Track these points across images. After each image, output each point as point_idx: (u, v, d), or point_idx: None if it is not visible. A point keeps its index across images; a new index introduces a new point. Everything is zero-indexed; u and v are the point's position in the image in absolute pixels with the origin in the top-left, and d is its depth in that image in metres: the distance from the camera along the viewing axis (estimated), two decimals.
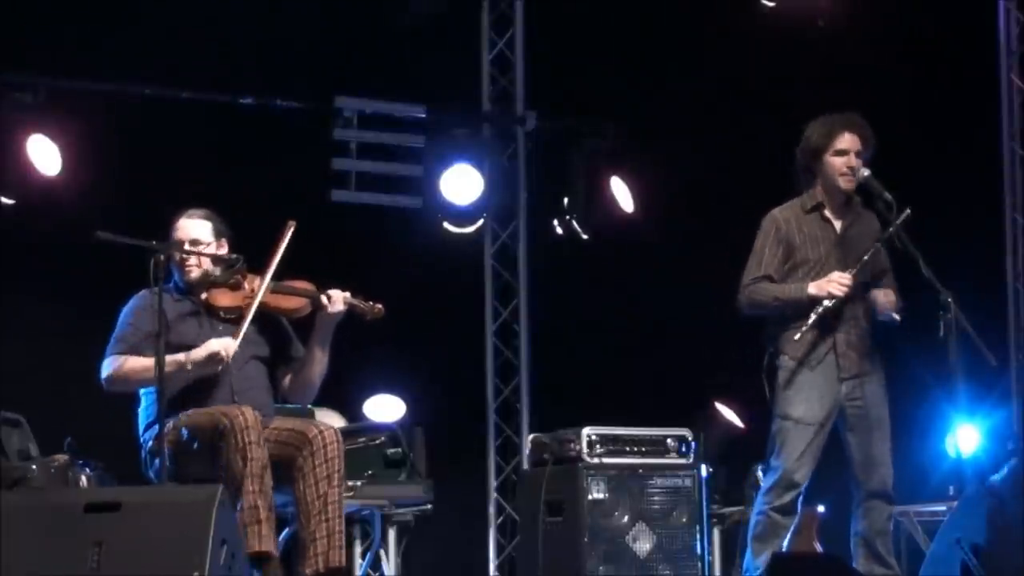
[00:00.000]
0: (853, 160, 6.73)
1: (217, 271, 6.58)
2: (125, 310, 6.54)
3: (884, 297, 6.75)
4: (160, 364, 6.07)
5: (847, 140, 6.74)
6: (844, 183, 6.75)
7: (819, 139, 6.77)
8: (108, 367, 6.41)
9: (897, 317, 6.73)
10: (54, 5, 8.82)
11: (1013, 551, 6.17)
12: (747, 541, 6.80)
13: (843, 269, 6.67)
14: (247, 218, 6.76)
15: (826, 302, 6.60)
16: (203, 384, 6.41)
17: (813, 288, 6.64)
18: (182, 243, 6.55)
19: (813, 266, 6.74)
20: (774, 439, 6.73)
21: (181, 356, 6.33)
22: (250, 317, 6.43)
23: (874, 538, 6.67)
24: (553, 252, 10.43)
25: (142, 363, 6.31)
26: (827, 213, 6.82)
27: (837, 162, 6.75)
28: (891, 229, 6.64)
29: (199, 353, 6.34)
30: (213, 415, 6.18)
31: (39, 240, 8.74)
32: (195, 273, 6.56)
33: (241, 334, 6.38)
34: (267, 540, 6.08)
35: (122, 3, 8.93)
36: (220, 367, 6.36)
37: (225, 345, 6.34)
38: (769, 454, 6.76)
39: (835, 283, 6.61)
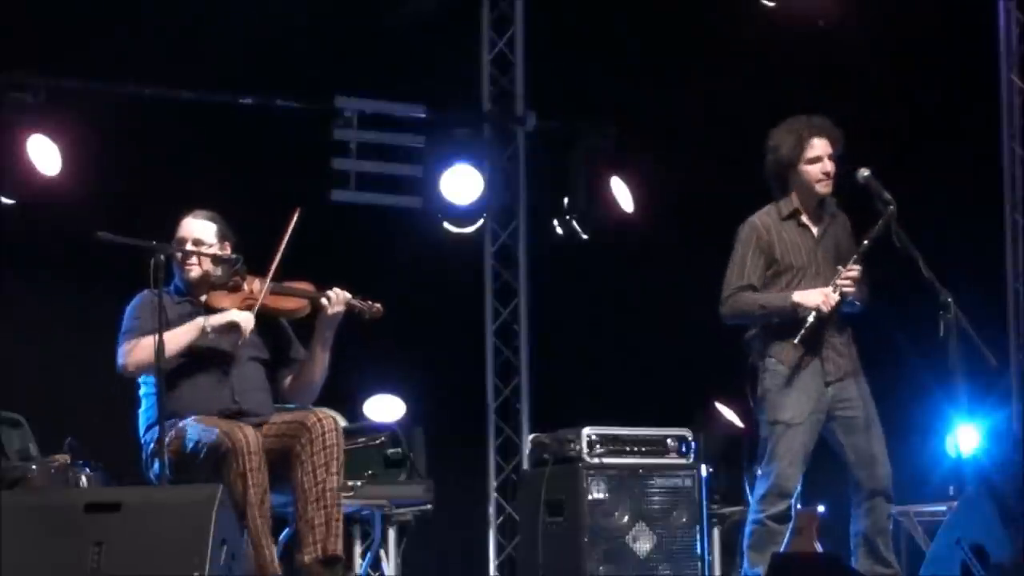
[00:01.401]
0: (828, 165, 6.70)
1: (218, 271, 6.57)
2: (129, 308, 6.54)
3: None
4: (159, 365, 6.07)
5: (818, 146, 6.69)
6: (822, 188, 6.73)
7: (789, 150, 6.70)
8: (123, 353, 6.40)
9: (858, 303, 6.71)
10: (54, 5, 8.81)
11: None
12: (743, 550, 6.78)
13: (826, 273, 6.66)
14: (247, 218, 6.76)
15: (813, 314, 6.58)
16: (204, 384, 6.42)
17: (798, 297, 6.61)
18: (184, 241, 6.55)
19: (796, 273, 6.71)
20: (764, 445, 6.68)
21: (200, 319, 6.34)
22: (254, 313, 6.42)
23: (875, 537, 6.65)
24: (553, 252, 10.43)
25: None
26: (804, 219, 6.78)
27: (812, 170, 6.70)
28: (879, 226, 6.61)
29: (219, 319, 6.35)
30: (216, 433, 6.15)
31: (39, 240, 8.74)
32: (195, 272, 6.56)
33: (253, 314, 6.38)
34: (274, 567, 6.09)
35: (122, 3, 8.93)
36: (238, 339, 6.35)
37: (245, 317, 6.34)
38: (759, 460, 6.73)
39: (825, 299, 6.57)
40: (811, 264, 6.72)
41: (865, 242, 6.66)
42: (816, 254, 6.74)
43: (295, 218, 6.51)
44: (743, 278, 6.71)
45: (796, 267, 6.72)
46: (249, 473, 6.03)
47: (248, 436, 6.09)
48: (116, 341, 6.46)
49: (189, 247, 6.53)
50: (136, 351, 6.34)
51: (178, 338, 6.27)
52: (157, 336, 6.07)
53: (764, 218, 6.80)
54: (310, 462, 6.24)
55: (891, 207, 6.56)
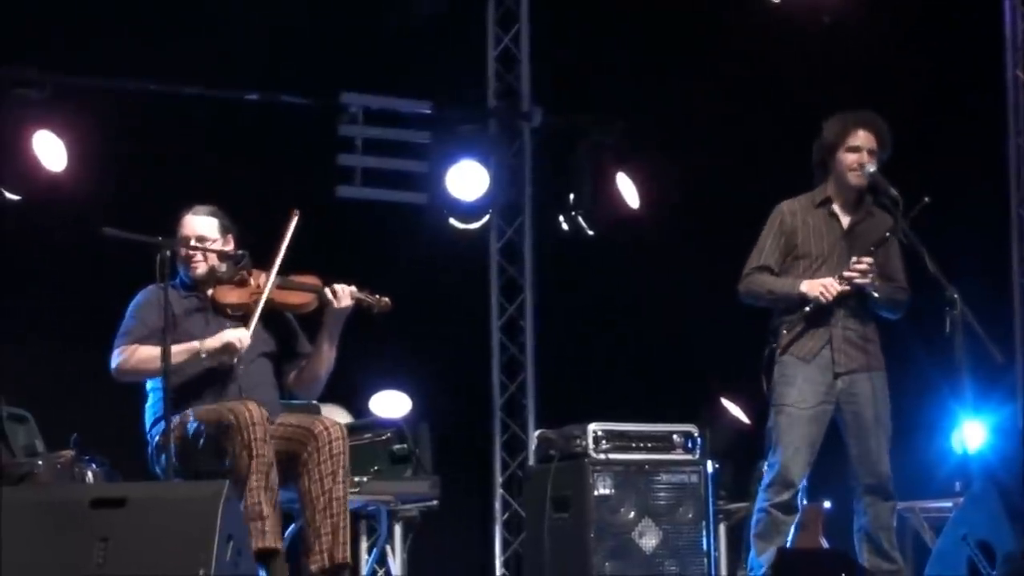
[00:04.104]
0: (865, 157, 6.75)
1: (223, 267, 6.57)
2: (132, 305, 6.53)
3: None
4: (166, 360, 6.07)
5: (861, 137, 6.77)
6: (854, 179, 6.77)
7: (834, 135, 6.80)
8: (117, 357, 6.41)
9: (876, 295, 6.72)
10: (59, 1, 8.81)
11: None
12: (750, 539, 6.80)
13: (847, 265, 6.68)
14: (253, 214, 6.76)
15: (812, 304, 6.64)
16: (211, 381, 6.41)
17: (805, 286, 6.68)
18: (188, 239, 6.54)
19: (815, 260, 6.77)
20: (770, 434, 6.75)
21: (195, 344, 6.33)
22: (258, 313, 6.42)
23: (877, 533, 6.68)
24: (559, 248, 10.42)
25: (152, 352, 6.27)
26: (835, 208, 6.84)
27: (849, 158, 6.77)
28: (911, 215, 6.63)
29: (213, 343, 6.33)
30: (219, 411, 6.17)
31: (45, 236, 8.74)
32: (201, 269, 6.55)
33: (252, 328, 6.37)
34: (272, 536, 6.07)
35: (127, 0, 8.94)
36: (234, 358, 6.35)
37: (239, 336, 6.33)
38: (767, 450, 6.76)
39: (825, 289, 6.62)
40: (833, 254, 6.77)
41: (888, 234, 6.68)
42: (841, 244, 6.78)
43: (294, 221, 6.51)
44: (760, 259, 6.82)
45: (815, 255, 6.78)
46: (254, 443, 6.04)
47: (252, 409, 6.09)
48: (115, 336, 6.46)
49: (193, 244, 6.53)
50: (130, 359, 6.36)
51: (172, 357, 6.18)
52: (162, 335, 6.07)
53: (794, 204, 6.88)
54: (317, 471, 6.25)
55: (925, 199, 6.60)
